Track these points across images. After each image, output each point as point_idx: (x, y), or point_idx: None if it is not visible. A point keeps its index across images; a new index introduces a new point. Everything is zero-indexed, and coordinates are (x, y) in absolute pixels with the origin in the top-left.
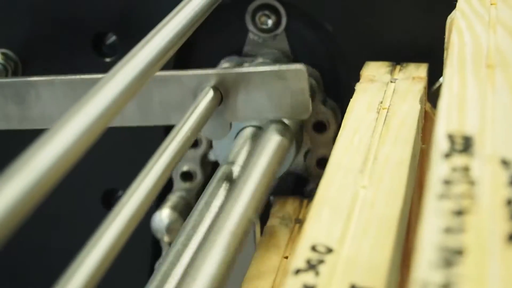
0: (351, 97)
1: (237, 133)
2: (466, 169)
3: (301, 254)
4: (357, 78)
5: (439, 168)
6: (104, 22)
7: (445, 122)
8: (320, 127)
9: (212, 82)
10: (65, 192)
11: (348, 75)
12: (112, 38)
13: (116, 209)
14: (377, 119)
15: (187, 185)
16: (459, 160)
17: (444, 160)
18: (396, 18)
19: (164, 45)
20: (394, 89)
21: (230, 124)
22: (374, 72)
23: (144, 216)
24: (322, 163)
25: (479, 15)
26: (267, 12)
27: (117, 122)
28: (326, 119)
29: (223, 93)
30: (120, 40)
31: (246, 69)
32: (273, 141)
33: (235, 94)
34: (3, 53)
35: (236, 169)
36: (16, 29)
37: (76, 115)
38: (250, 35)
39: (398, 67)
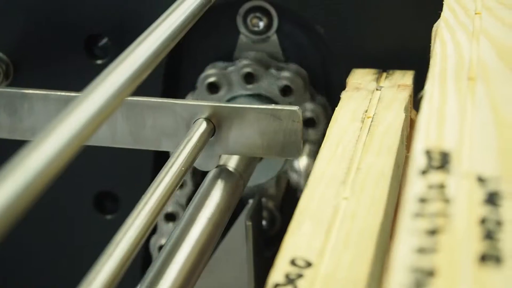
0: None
1: None
2: (442, 187)
3: (280, 268)
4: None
5: (415, 186)
6: (96, 25)
7: (423, 138)
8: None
9: (206, 113)
10: (58, 194)
11: (339, 78)
12: (104, 40)
13: (115, 238)
14: (361, 128)
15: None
16: (435, 177)
17: (421, 177)
18: (388, 21)
19: (155, 48)
20: (379, 97)
21: (219, 156)
22: (360, 80)
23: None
24: None
25: (463, 25)
26: (258, 14)
27: (108, 143)
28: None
29: (216, 126)
30: (112, 43)
31: (241, 104)
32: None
33: (228, 128)
34: None
35: (227, 171)
36: (7, 32)
37: (69, 116)
38: (242, 37)
39: (384, 74)
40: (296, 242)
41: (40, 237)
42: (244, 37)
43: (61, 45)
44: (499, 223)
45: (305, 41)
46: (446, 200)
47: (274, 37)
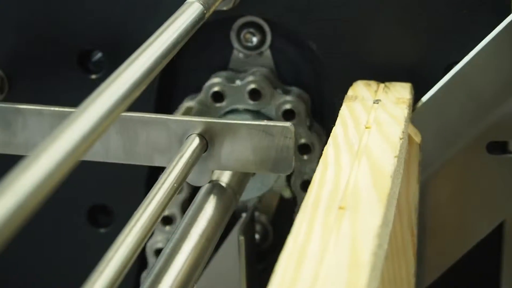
0: (334, 114)
1: None
2: None
3: None
4: (341, 96)
5: None
6: (90, 40)
7: (279, 281)
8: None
9: (198, 129)
10: (51, 208)
11: (332, 93)
12: (98, 55)
13: (108, 253)
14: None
15: (167, 228)
16: None
17: None
18: (382, 37)
19: (150, 64)
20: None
21: (212, 172)
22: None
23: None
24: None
25: (350, 143)
26: (252, 30)
27: (101, 157)
28: (311, 142)
29: (208, 141)
30: (106, 57)
31: (233, 120)
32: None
33: (220, 143)
34: None
35: (220, 187)
36: (2, 46)
37: (64, 133)
38: (235, 53)
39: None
40: None
41: (33, 250)
42: (237, 52)
43: (56, 60)
44: None
45: (298, 56)
46: None
47: (267, 53)
